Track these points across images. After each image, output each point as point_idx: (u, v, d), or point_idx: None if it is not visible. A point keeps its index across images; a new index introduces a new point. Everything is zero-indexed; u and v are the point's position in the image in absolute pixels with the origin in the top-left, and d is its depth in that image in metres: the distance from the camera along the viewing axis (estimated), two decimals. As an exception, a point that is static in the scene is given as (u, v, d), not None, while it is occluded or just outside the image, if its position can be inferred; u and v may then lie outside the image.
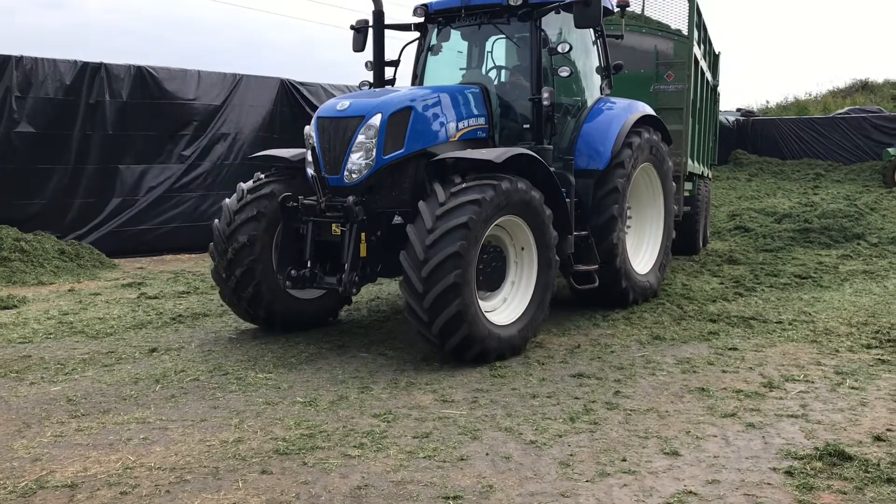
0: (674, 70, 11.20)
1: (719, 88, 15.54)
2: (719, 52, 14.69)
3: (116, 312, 8.51)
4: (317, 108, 14.84)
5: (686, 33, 11.28)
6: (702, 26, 12.09)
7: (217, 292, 9.59)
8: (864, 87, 37.32)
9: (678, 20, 11.51)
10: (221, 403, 5.50)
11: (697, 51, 11.49)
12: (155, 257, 12.78)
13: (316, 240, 6.92)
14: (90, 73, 12.19)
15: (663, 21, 11.70)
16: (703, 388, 5.76)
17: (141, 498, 4.00)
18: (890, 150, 24.00)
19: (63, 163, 12.03)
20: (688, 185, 11.71)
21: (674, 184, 9.43)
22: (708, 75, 13.20)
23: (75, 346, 7.10)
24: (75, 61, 12.09)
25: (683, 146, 11.11)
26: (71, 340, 7.33)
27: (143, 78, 12.81)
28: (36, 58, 11.68)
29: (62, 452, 4.60)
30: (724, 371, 6.24)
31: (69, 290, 9.81)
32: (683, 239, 11.05)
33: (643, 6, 11.63)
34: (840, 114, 28.92)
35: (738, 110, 31.42)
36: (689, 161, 11.46)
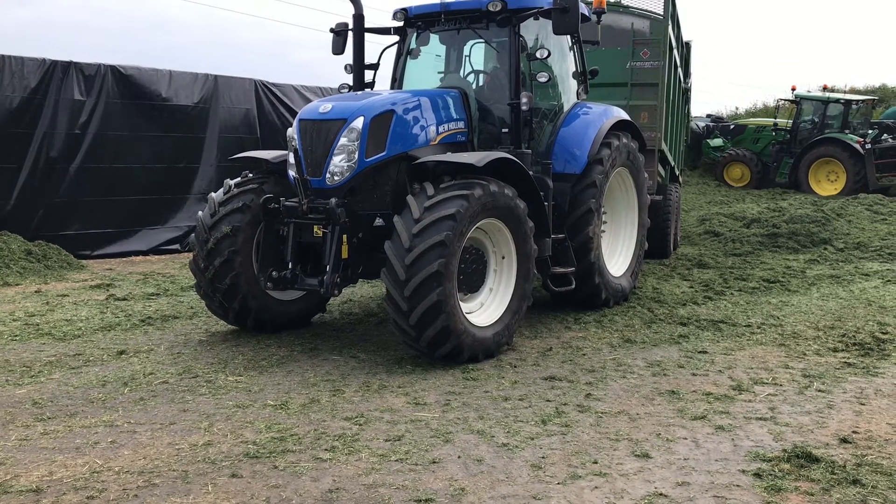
0: (649, 48, 11.40)
1: (690, 92, 15.72)
2: (690, 42, 14.84)
3: (84, 314, 8.39)
4: (291, 109, 14.98)
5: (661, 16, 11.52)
6: (675, 16, 12.26)
7: (187, 295, 9.56)
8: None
9: (654, 7, 11.69)
10: (191, 406, 5.45)
11: (671, 34, 11.68)
12: (124, 258, 12.62)
13: (297, 241, 6.95)
14: (59, 71, 12.01)
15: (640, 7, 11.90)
16: (673, 391, 5.81)
17: (108, 502, 3.95)
18: (709, 141, 24.51)
19: (31, 162, 11.82)
20: (661, 174, 11.91)
21: (648, 197, 9.57)
22: (680, 73, 13.37)
23: (42, 349, 6.99)
24: (43, 59, 11.91)
25: (658, 121, 11.36)
26: (37, 342, 7.22)
27: (113, 77, 12.64)
28: (3, 55, 11.48)
29: (27, 456, 4.53)
30: (693, 374, 6.30)
31: (36, 292, 9.66)
32: (654, 243, 11.17)
33: None
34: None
35: (708, 116, 31.75)
36: (663, 145, 11.63)
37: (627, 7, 11.70)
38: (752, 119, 26.35)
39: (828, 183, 21.50)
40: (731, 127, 25.47)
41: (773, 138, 23.50)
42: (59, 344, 7.17)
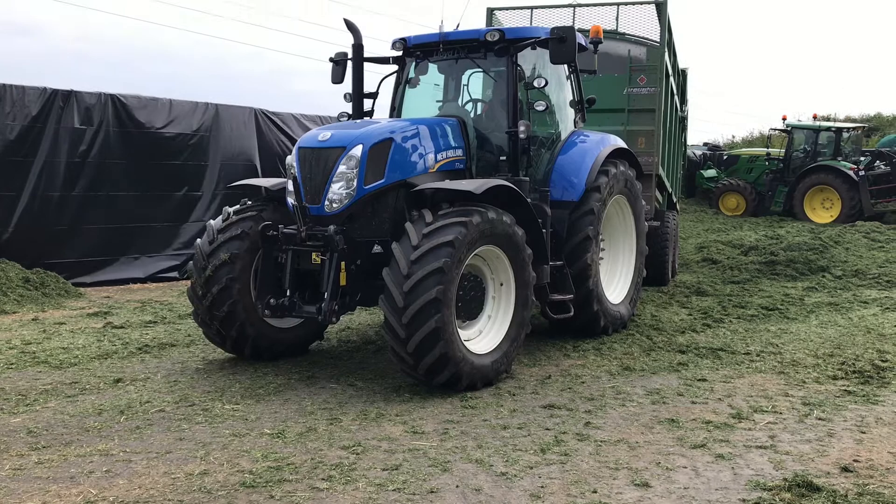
0: (646, 74, 11.53)
1: (687, 120, 15.83)
2: (686, 69, 14.97)
3: (81, 342, 8.35)
4: (290, 137, 15.04)
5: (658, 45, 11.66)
6: (671, 44, 12.39)
7: (184, 322, 9.53)
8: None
9: (650, 35, 11.84)
10: (187, 435, 5.41)
11: (668, 61, 11.79)
12: (122, 286, 12.60)
13: (295, 269, 6.94)
14: (60, 100, 12.06)
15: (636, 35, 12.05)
16: (672, 419, 5.78)
17: (102, 533, 3.90)
18: (703, 172, 24.70)
19: (31, 190, 11.84)
20: (659, 199, 11.97)
21: (646, 224, 9.61)
22: (677, 100, 13.48)
23: (38, 377, 6.95)
24: (44, 88, 11.97)
25: (656, 145, 11.45)
26: (33, 370, 7.18)
27: (114, 106, 12.70)
28: (4, 84, 11.54)
29: (21, 486, 4.48)
30: (693, 402, 6.26)
31: (33, 320, 9.63)
32: (653, 270, 11.18)
33: (617, 22, 11.94)
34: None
35: (705, 144, 31.92)
36: (661, 170, 11.68)
37: (624, 34, 11.85)
38: (745, 150, 26.49)
39: (823, 210, 21.59)
40: (725, 157, 25.64)
41: (766, 168, 23.63)
42: (56, 372, 7.13)
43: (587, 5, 12.08)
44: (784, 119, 24.25)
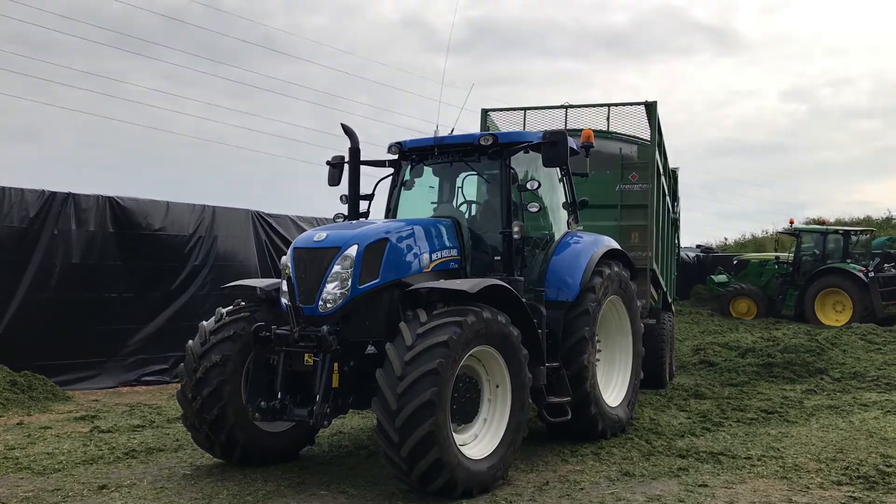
0: (638, 171, 11.75)
1: (679, 222, 16.02)
2: (677, 169, 15.23)
3: (66, 447, 8.15)
4: (286, 238, 15.14)
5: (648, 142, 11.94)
6: (661, 143, 12.65)
7: (173, 427, 9.32)
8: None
9: (640, 134, 12.14)
10: (171, 545, 5.20)
11: (658, 160, 12.01)
12: (111, 389, 12.39)
13: (287, 370, 6.84)
14: (58, 203, 12.18)
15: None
16: (675, 528, 5.59)
17: None
18: (714, 277, 24.84)
19: (24, 291, 11.79)
20: (654, 296, 11.96)
21: (641, 325, 9.59)
22: (668, 200, 13.67)
23: (19, 484, 6.74)
24: (42, 191, 12.10)
25: (649, 240, 11.54)
26: (15, 477, 6.97)
27: (111, 208, 12.82)
28: (3, 187, 11.67)
29: None
30: (695, 509, 6.08)
31: (18, 424, 9.42)
32: (650, 372, 11.07)
33: (608, 122, 12.24)
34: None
35: (698, 246, 32.26)
36: (655, 265, 11.73)
37: (615, 133, 12.16)
38: (754, 255, 26.39)
39: (834, 313, 21.47)
40: (735, 262, 25.72)
41: (776, 271, 23.61)
42: (38, 478, 6.92)
43: (579, 107, 12.46)
44: (791, 223, 24.49)
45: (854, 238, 23.03)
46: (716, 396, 11.37)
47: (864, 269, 21.51)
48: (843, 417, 9.83)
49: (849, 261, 22.22)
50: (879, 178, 76.22)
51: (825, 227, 23.71)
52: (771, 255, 24.94)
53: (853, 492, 6.54)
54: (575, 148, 8.68)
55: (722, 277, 24.88)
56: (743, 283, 23.93)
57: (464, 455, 6.37)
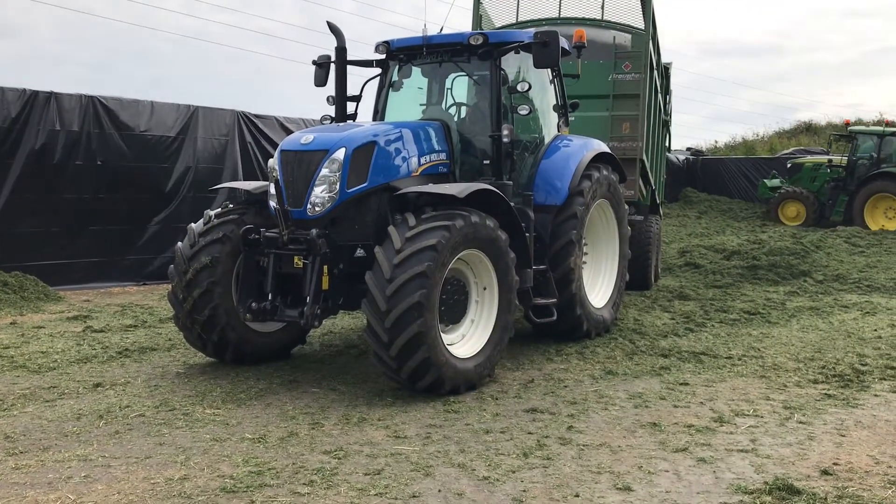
0: (631, 61, 11.62)
1: (671, 124, 15.89)
2: (670, 63, 15.02)
3: (60, 346, 8.27)
4: (272, 140, 14.98)
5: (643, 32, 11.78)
6: (655, 36, 12.45)
7: (165, 326, 9.45)
8: (808, 129, 38.59)
9: (635, 23, 11.97)
10: (167, 440, 5.36)
11: (652, 51, 11.88)
12: (102, 289, 12.49)
13: (277, 272, 6.90)
14: (40, 102, 11.94)
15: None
16: (654, 423, 5.79)
17: (80, 539, 3.85)
18: (766, 181, 23.87)
19: (9, 192, 11.71)
20: (642, 192, 12.03)
21: (628, 228, 9.64)
22: (660, 98, 13.54)
23: (15, 381, 6.87)
24: (24, 90, 11.85)
25: (640, 130, 11.53)
26: (11, 375, 7.09)
27: (93, 107, 12.59)
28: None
29: (-3, 492, 4.42)
30: (675, 406, 6.28)
31: (11, 324, 9.52)
32: (635, 274, 11.21)
33: (602, 11, 12.07)
34: (786, 154, 29.75)
35: (688, 149, 32.14)
36: (644, 156, 11.79)
37: (609, 22, 11.95)
38: (808, 158, 24.85)
39: (885, 220, 20.64)
40: (788, 166, 24.44)
41: (828, 175, 22.54)
42: (34, 376, 7.05)
43: None
44: (847, 124, 23.49)
45: None
46: (700, 298, 11.57)
47: None
48: (824, 318, 10.05)
49: None
50: (873, 80, 75.46)
51: (882, 129, 22.12)
52: (824, 158, 23.47)
53: (828, 389, 6.76)
54: (567, 48, 8.52)
55: (775, 182, 23.75)
56: (795, 187, 22.88)
57: (451, 354, 6.51)
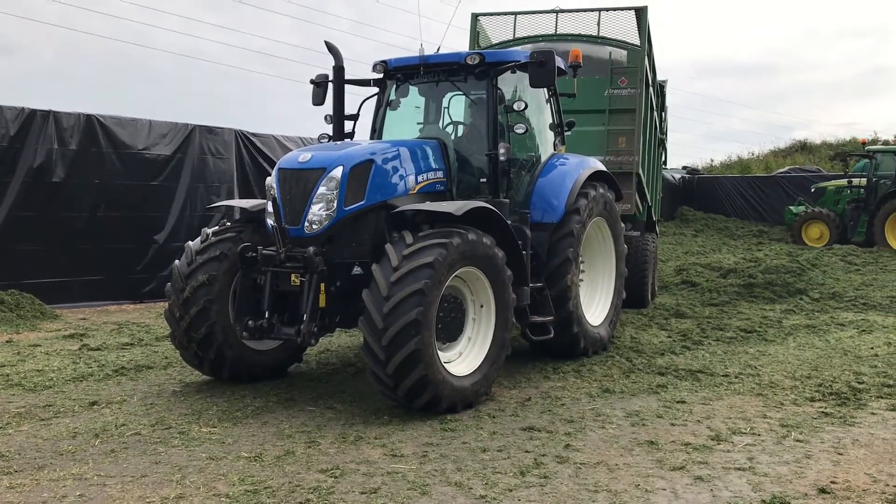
0: (627, 76, 11.72)
1: (666, 142, 15.95)
2: (665, 81, 15.09)
3: (56, 364, 8.25)
4: (270, 159, 15.01)
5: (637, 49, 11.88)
6: (650, 52, 12.54)
7: (161, 344, 9.43)
8: (804, 148, 38.76)
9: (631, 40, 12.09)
10: (163, 458, 5.34)
11: (647, 67, 11.96)
12: (99, 308, 12.47)
13: (274, 290, 6.89)
14: (38, 120, 11.97)
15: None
16: (652, 441, 5.78)
17: (74, 558, 3.83)
18: (792, 208, 23.92)
19: (7, 210, 11.71)
20: (638, 207, 12.08)
21: (625, 246, 9.67)
22: (656, 114, 13.62)
23: (11, 400, 6.85)
24: (22, 108, 11.89)
25: (636, 144, 11.60)
26: (6, 394, 7.07)
27: (91, 126, 12.62)
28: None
29: (-8, 511, 4.40)
30: (672, 424, 6.27)
31: (7, 342, 9.50)
32: (632, 292, 11.22)
33: (598, 27, 12.16)
34: (781, 173, 29.87)
35: (684, 168, 32.25)
36: (640, 170, 11.85)
37: (605, 38, 12.04)
38: (831, 182, 24.49)
39: None
40: (812, 190, 24.41)
41: (849, 196, 22.38)
42: (30, 395, 7.03)
43: (570, 11, 12.30)
44: (864, 143, 23.34)
45: None
46: (696, 316, 11.58)
47: None
48: (820, 336, 10.06)
49: None
50: (867, 99, 75.95)
51: None
52: (843, 182, 23.24)
53: (825, 408, 6.76)
54: (563, 67, 8.58)
55: (801, 208, 23.56)
56: (819, 208, 22.71)
57: (448, 372, 6.51)
